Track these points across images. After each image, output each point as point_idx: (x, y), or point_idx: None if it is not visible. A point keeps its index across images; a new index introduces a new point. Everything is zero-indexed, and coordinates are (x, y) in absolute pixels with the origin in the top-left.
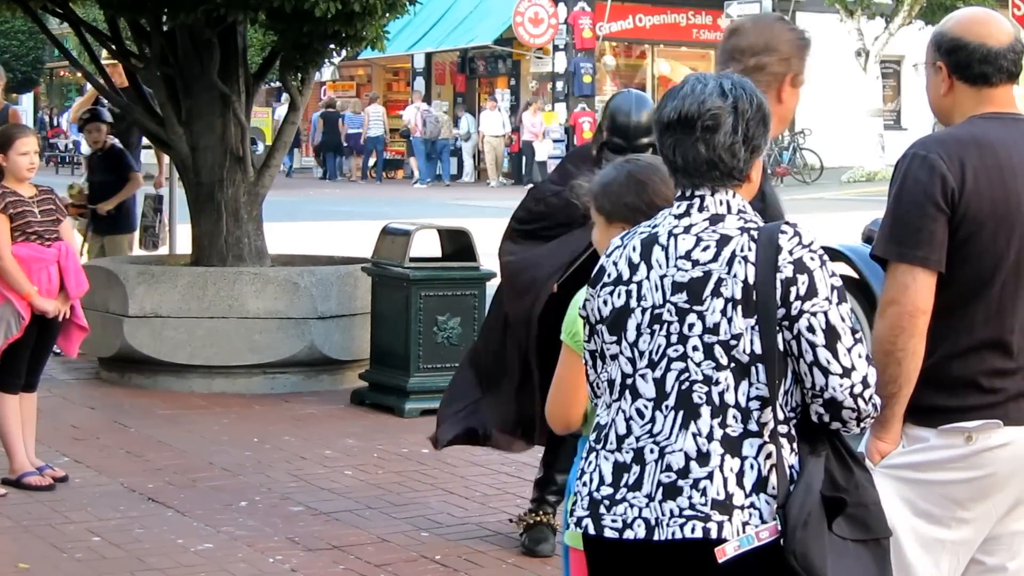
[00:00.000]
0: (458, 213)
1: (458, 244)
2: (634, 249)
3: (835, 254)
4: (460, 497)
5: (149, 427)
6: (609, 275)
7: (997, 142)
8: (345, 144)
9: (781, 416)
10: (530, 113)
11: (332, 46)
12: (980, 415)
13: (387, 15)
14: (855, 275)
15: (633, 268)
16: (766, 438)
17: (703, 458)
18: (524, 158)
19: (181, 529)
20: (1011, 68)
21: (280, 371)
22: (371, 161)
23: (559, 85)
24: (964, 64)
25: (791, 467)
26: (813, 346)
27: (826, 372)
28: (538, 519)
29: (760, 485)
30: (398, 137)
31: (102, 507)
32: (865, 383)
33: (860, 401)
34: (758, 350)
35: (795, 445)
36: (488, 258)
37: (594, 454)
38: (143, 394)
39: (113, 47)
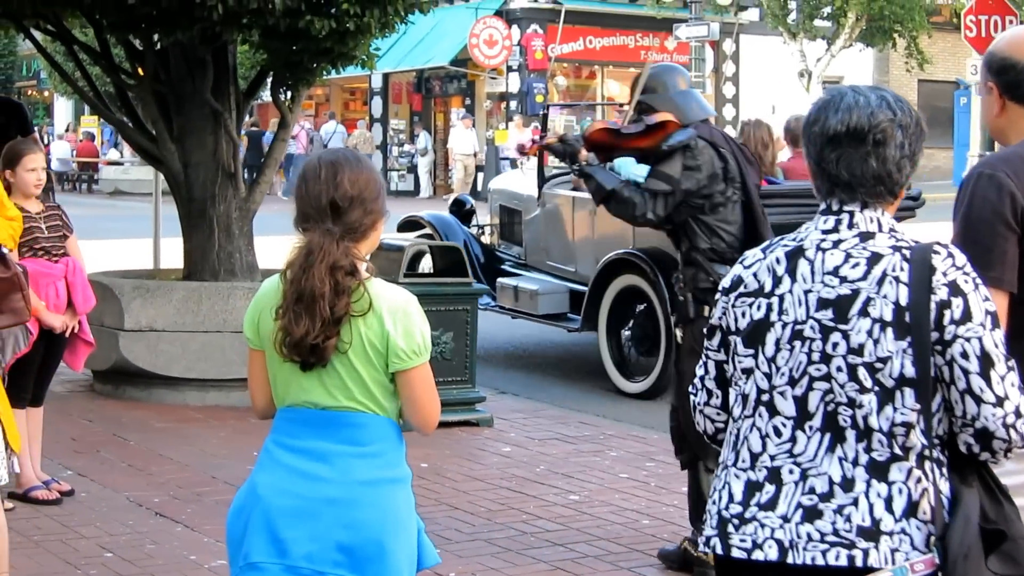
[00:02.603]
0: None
1: (449, 260)
2: (778, 261)
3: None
4: (465, 512)
5: (148, 440)
6: (747, 285)
7: None
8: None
9: (929, 441)
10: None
11: (323, 64)
12: None
13: (380, 33)
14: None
15: (776, 280)
16: (913, 462)
17: (848, 483)
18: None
19: (192, 545)
20: None
21: None
22: None
23: (512, 104)
24: (1014, 84)
25: (944, 495)
26: (966, 373)
27: (979, 401)
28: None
29: (911, 510)
30: None
31: (111, 522)
32: (1018, 413)
33: (1012, 432)
34: (908, 374)
35: (945, 471)
36: None
37: (725, 471)
38: (139, 407)
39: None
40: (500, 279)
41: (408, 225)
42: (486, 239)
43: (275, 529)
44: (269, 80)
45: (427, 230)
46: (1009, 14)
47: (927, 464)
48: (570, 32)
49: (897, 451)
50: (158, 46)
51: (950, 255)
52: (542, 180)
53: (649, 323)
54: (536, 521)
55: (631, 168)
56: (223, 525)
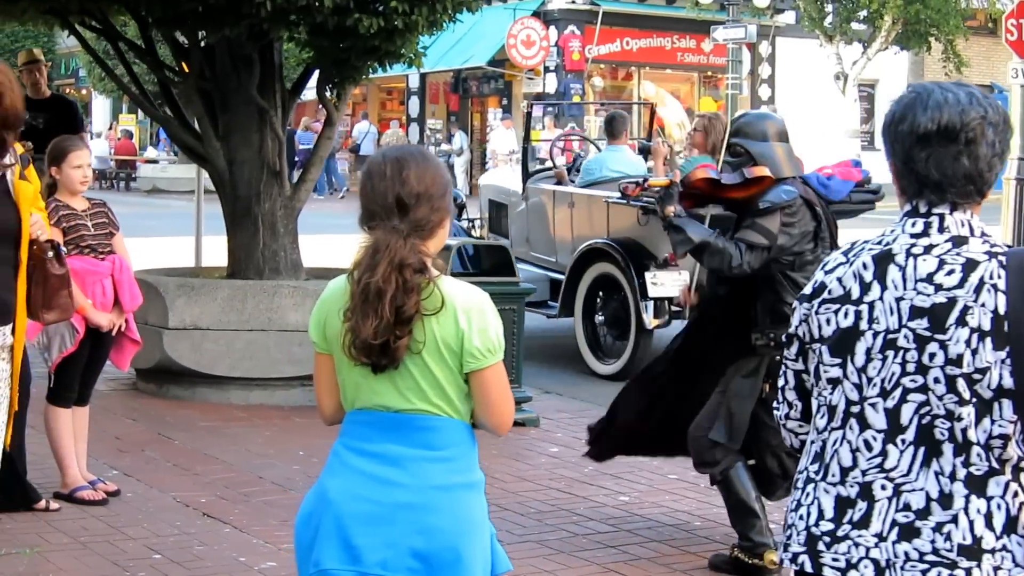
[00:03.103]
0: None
1: (496, 259)
2: (865, 266)
3: None
4: (515, 514)
5: (193, 439)
6: (831, 292)
7: None
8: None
9: None
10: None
11: (370, 62)
12: None
13: (428, 31)
14: None
15: (865, 287)
16: (1009, 475)
17: (946, 499)
18: None
19: (241, 546)
20: None
21: None
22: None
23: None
24: None
25: None
26: None
27: None
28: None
29: (1010, 526)
30: None
31: (158, 522)
32: None
33: None
34: (1007, 385)
35: None
36: None
37: (812, 485)
38: (182, 406)
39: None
40: None
41: None
42: (476, 232)
43: (347, 535)
44: (314, 78)
45: None
46: None
47: (1023, 476)
48: (607, 33)
49: (995, 464)
50: (204, 43)
51: None
52: (526, 175)
53: (621, 309)
54: (587, 523)
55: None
56: (271, 526)
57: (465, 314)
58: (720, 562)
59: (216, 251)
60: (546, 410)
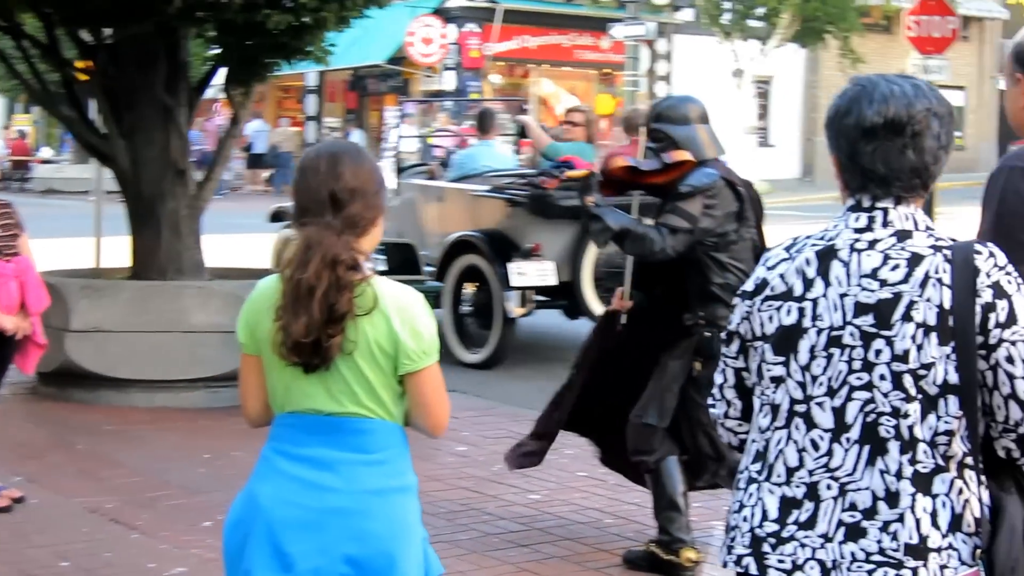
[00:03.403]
0: None
1: (401, 257)
2: (807, 262)
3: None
4: (426, 515)
5: (97, 444)
6: (773, 288)
7: None
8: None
9: (970, 448)
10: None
11: (277, 59)
12: None
13: (338, 28)
14: None
15: (808, 283)
16: (954, 472)
17: (892, 498)
18: None
19: (150, 552)
20: None
21: (222, 385)
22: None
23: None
24: None
25: (984, 504)
26: (1011, 377)
27: (1023, 405)
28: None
29: (955, 524)
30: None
31: (65, 529)
32: None
33: None
34: (952, 380)
35: (983, 479)
36: None
37: (755, 486)
38: (85, 409)
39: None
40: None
41: (278, 215)
42: None
43: (279, 542)
44: (220, 76)
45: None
46: (949, 14)
47: (967, 473)
48: (506, 31)
49: (940, 462)
50: (109, 41)
51: (992, 255)
52: (399, 170)
53: (487, 299)
54: (498, 521)
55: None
56: (180, 531)
57: (399, 315)
58: (635, 558)
59: (115, 252)
60: (452, 409)
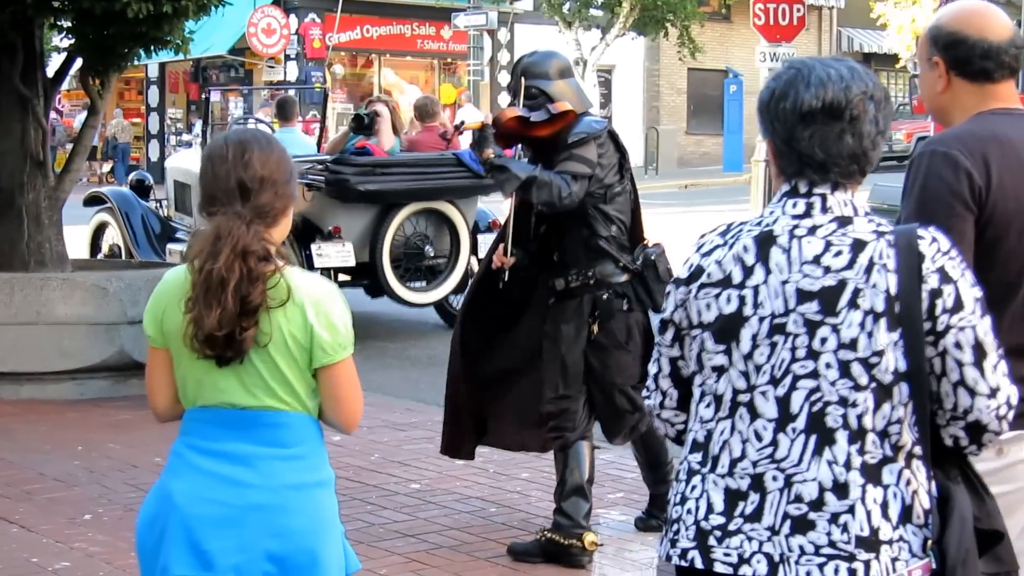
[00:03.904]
0: None
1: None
2: (745, 249)
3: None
4: None
5: None
6: (710, 275)
7: (1016, 138)
8: None
9: (918, 438)
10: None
11: (135, 49)
12: (1012, 426)
13: (197, 16)
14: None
15: (747, 271)
16: (902, 463)
17: (841, 489)
18: None
19: (32, 546)
20: (1012, 63)
21: (89, 376)
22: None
23: (291, 93)
24: (964, 59)
25: (932, 494)
26: (960, 364)
27: (972, 393)
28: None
29: (906, 515)
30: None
31: None
32: (1009, 404)
33: (1004, 423)
34: (902, 368)
35: (929, 468)
36: None
37: (699, 477)
38: None
39: None
40: (170, 245)
41: (92, 200)
42: (163, 211)
43: (197, 540)
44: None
45: (109, 205)
46: (796, 2)
47: (914, 463)
48: (348, 21)
49: (888, 452)
50: None
51: (935, 240)
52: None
53: None
54: (381, 511)
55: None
56: (60, 524)
57: (314, 307)
58: (523, 549)
59: None
60: None
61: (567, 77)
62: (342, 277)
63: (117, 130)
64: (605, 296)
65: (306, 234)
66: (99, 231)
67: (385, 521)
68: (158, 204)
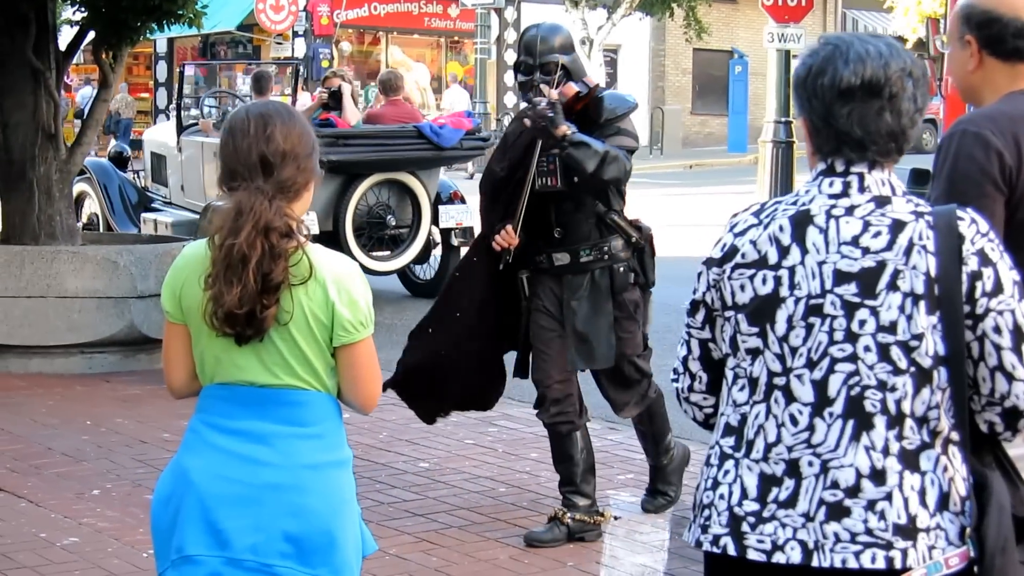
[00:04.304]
0: None
1: None
2: (781, 229)
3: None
4: None
5: None
6: (745, 256)
7: None
8: None
9: (955, 423)
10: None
11: (148, 22)
12: None
13: None
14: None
15: (783, 251)
16: (939, 449)
17: (878, 476)
18: None
19: (40, 522)
20: None
21: (98, 351)
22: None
23: (299, 70)
24: (997, 39)
25: (967, 481)
26: (998, 348)
27: (1011, 378)
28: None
29: (943, 502)
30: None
31: None
32: None
33: None
34: (941, 352)
35: (965, 454)
36: None
37: (732, 462)
38: None
39: None
40: (144, 214)
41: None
42: (141, 182)
43: (213, 519)
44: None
45: (88, 175)
46: None
47: (951, 449)
48: None
49: (926, 438)
50: None
51: (974, 221)
52: (180, 129)
53: None
54: (391, 491)
55: None
56: (68, 500)
57: (336, 284)
58: (547, 538)
59: None
60: None
61: (574, 51)
62: None
63: (121, 105)
64: (621, 269)
65: None
66: (79, 201)
67: (394, 500)
68: (135, 175)
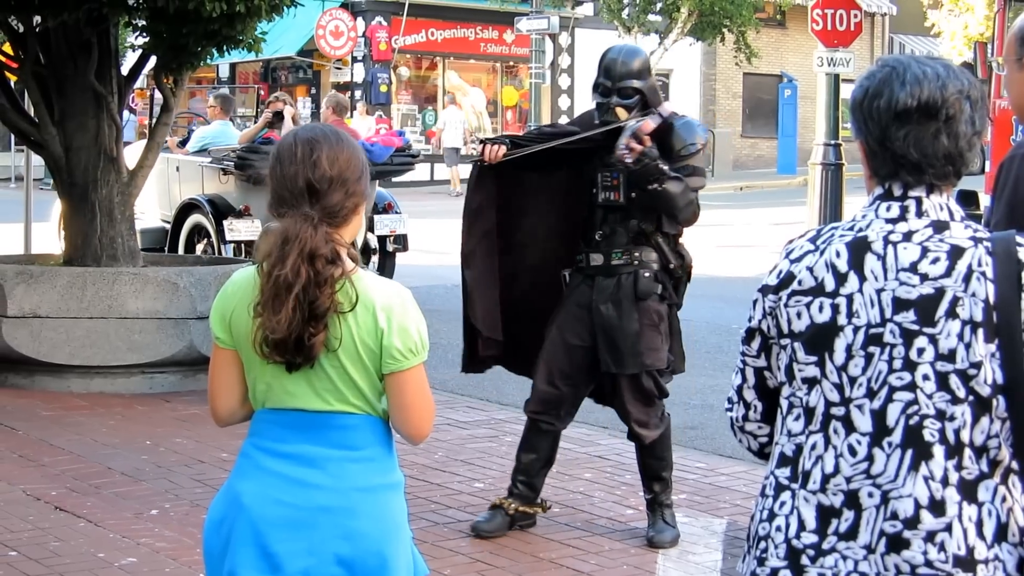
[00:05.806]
0: None
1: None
2: (838, 255)
3: None
4: None
5: (36, 429)
6: (801, 282)
7: None
8: None
9: (1013, 452)
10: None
11: (209, 48)
12: None
13: (269, 16)
14: None
15: (840, 278)
16: (998, 479)
17: (937, 506)
18: None
19: (98, 541)
20: None
21: (158, 371)
22: None
23: (357, 94)
24: None
25: None
26: None
27: None
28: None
29: (1001, 534)
30: None
31: (10, 517)
32: None
33: None
34: (1000, 380)
35: (1022, 484)
36: None
37: (788, 493)
38: (22, 395)
39: None
40: None
41: None
42: None
43: (265, 542)
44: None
45: None
46: (854, 8)
47: (1011, 479)
48: (413, 24)
49: (985, 468)
50: (39, 28)
51: None
52: None
53: (211, 251)
54: (446, 511)
55: None
56: (126, 519)
57: (385, 312)
58: (492, 527)
59: (41, 239)
60: None
61: (651, 74)
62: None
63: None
64: (647, 275)
65: (222, 212)
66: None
67: (449, 520)
68: None
